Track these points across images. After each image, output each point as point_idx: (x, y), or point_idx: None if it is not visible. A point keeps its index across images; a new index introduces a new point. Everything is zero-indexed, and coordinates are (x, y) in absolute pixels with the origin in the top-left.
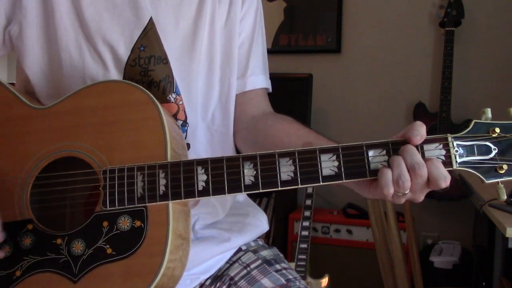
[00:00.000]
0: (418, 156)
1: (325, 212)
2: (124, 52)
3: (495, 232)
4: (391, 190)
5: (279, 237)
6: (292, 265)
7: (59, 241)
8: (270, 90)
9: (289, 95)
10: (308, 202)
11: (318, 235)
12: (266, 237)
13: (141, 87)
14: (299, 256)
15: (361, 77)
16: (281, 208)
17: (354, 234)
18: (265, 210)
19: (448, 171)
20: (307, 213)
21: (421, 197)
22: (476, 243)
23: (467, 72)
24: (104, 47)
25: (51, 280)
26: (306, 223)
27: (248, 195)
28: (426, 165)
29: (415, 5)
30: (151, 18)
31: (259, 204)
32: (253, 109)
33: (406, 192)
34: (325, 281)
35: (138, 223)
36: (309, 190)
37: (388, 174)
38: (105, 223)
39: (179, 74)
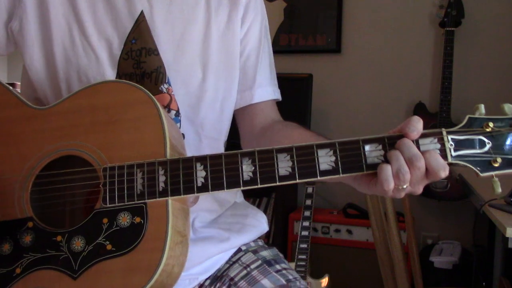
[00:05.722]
0: (415, 149)
1: (325, 212)
2: (117, 46)
3: (495, 232)
4: (391, 185)
5: (279, 237)
6: (292, 265)
7: (59, 238)
8: (280, 99)
9: (289, 95)
10: (308, 202)
11: (318, 235)
12: (266, 237)
13: (141, 86)
14: (299, 256)
15: (361, 77)
16: (281, 208)
17: (354, 234)
18: (265, 210)
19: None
20: (307, 213)
21: (420, 189)
22: (476, 243)
23: (467, 72)
24: (99, 41)
25: (51, 277)
26: (306, 223)
27: (248, 195)
28: (424, 157)
29: (415, 5)
30: (142, 11)
31: (259, 204)
32: (262, 120)
33: (406, 185)
34: (325, 281)
35: (137, 220)
36: (309, 190)
37: (387, 169)
38: (105, 220)
39: (168, 67)
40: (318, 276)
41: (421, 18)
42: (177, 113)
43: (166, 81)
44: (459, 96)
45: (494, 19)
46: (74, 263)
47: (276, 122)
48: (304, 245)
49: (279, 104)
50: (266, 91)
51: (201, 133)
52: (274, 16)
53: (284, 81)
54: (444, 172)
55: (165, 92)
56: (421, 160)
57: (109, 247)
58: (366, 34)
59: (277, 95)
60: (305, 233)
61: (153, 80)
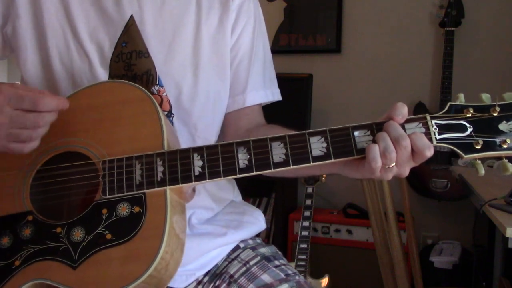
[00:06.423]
0: (400, 129)
1: (325, 212)
2: (109, 49)
3: (495, 232)
4: (378, 163)
5: (279, 237)
6: (292, 265)
7: (59, 229)
8: (279, 99)
9: (289, 95)
10: (308, 202)
11: (318, 235)
12: (266, 237)
13: (137, 85)
14: (299, 256)
15: (361, 77)
16: (281, 208)
17: (354, 234)
18: (265, 210)
19: (445, 168)
20: (307, 213)
21: (406, 172)
22: (476, 243)
23: (467, 72)
24: (91, 45)
25: (51, 267)
26: (306, 223)
27: (248, 195)
28: (409, 138)
29: (415, 5)
30: (132, 15)
31: (259, 204)
32: (248, 124)
33: (392, 164)
34: (325, 281)
35: (137, 209)
36: (309, 190)
37: (375, 148)
38: (105, 210)
39: (160, 70)
40: (318, 276)
41: (421, 18)
42: (169, 114)
43: (157, 83)
44: None
45: (494, 19)
46: (74, 253)
47: (261, 125)
48: (304, 245)
49: (279, 104)
50: (258, 95)
51: (195, 133)
52: (274, 16)
53: (284, 81)
54: (429, 151)
55: (155, 94)
56: (407, 140)
57: (108, 236)
58: (366, 34)
59: (272, 97)
60: (305, 233)
61: (144, 82)
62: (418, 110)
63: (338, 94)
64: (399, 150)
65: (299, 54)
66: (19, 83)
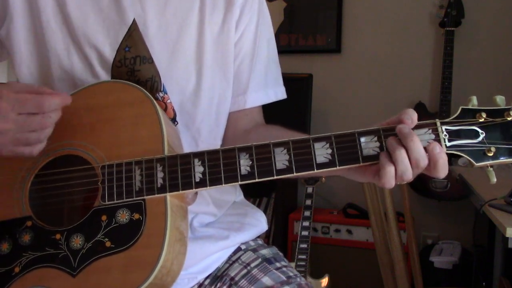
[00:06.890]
0: (422, 150)
1: (325, 212)
2: (109, 54)
3: (495, 232)
4: (393, 184)
5: (279, 237)
6: (292, 265)
7: (58, 236)
8: (284, 97)
9: (289, 95)
10: (308, 202)
11: (318, 235)
12: (266, 237)
13: (137, 85)
14: (299, 256)
15: (361, 77)
16: (281, 208)
17: (354, 234)
18: (265, 210)
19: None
20: (307, 213)
21: (412, 178)
22: (476, 243)
23: (467, 72)
24: (90, 49)
25: (50, 275)
26: (306, 223)
27: (248, 195)
28: (429, 159)
29: (415, 5)
30: (134, 19)
31: (259, 204)
32: (247, 124)
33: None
34: (325, 281)
35: (136, 216)
36: (309, 190)
37: (391, 171)
38: (104, 217)
39: (163, 75)
40: (318, 276)
41: (421, 18)
42: (173, 120)
43: (162, 89)
44: (459, 96)
45: (494, 19)
46: (73, 261)
47: (259, 125)
48: (304, 245)
49: (279, 104)
50: (259, 96)
51: (198, 138)
52: (274, 16)
53: (284, 81)
54: (443, 175)
55: (160, 101)
56: (426, 161)
57: (108, 244)
58: (366, 34)
59: (274, 97)
60: (305, 233)
61: (148, 88)
62: (418, 110)
63: (338, 94)
64: (415, 169)
65: (299, 54)
66: (14, 82)
